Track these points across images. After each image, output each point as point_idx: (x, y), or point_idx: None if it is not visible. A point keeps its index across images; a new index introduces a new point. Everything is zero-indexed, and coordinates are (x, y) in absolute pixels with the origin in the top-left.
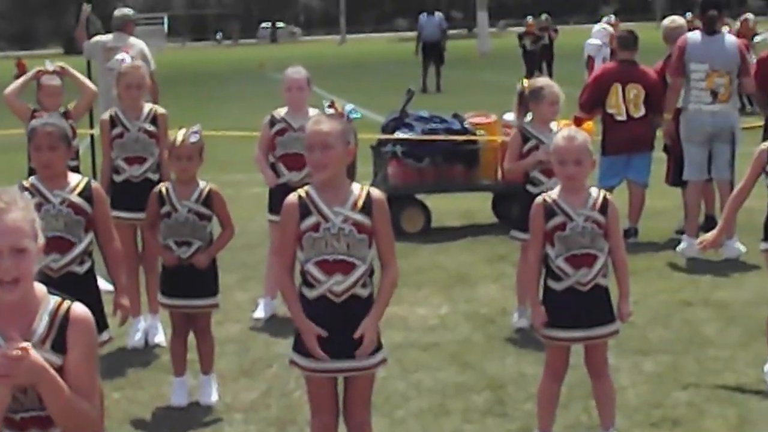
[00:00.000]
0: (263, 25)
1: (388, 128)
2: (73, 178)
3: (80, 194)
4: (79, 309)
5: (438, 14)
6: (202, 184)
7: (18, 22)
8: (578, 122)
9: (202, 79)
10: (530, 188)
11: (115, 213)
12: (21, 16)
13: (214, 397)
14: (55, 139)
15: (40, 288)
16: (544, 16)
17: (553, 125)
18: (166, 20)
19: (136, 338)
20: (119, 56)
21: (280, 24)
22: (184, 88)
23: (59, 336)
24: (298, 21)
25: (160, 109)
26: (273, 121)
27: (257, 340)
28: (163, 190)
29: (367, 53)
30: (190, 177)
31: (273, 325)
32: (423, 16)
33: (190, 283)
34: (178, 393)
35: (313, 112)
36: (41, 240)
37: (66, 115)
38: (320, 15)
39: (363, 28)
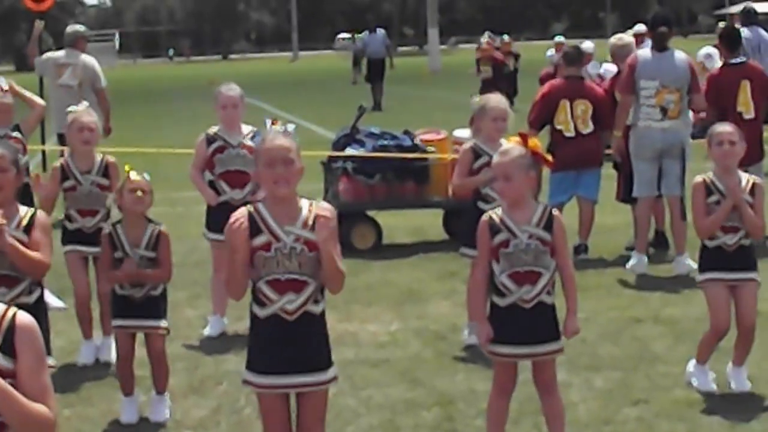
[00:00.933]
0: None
1: (339, 144)
2: (21, 210)
3: (25, 229)
4: (24, 317)
5: (380, 31)
6: (151, 226)
7: None
8: (524, 138)
9: (153, 96)
10: (481, 205)
11: (69, 247)
12: None
13: (166, 415)
14: (6, 162)
15: None
16: (505, 37)
17: (503, 141)
18: (117, 37)
19: (87, 356)
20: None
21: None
22: (135, 105)
23: (7, 341)
24: (249, 37)
25: (111, 158)
26: (210, 140)
27: (207, 357)
28: (113, 232)
29: (319, 70)
30: (141, 212)
31: (223, 342)
32: (366, 34)
33: (141, 305)
34: (128, 411)
35: (246, 129)
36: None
37: (17, 127)
38: (272, 31)
39: (316, 45)
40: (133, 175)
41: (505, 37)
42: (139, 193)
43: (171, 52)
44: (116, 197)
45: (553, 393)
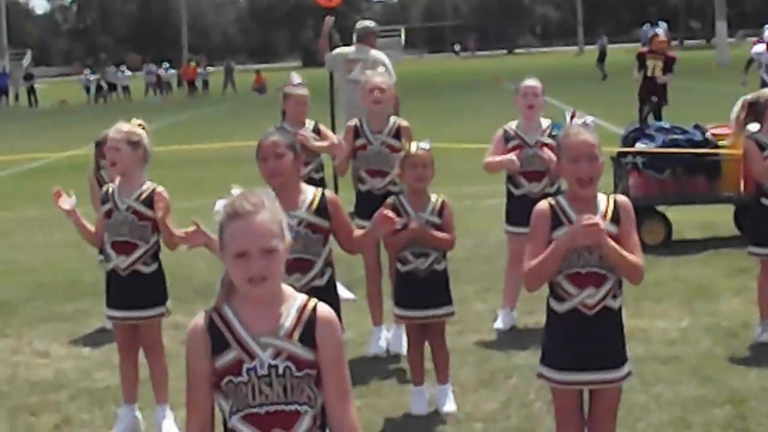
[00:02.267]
0: None
1: (628, 139)
2: (309, 193)
3: (316, 211)
4: (325, 308)
5: (663, 24)
6: (433, 197)
7: (257, 35)
8: None
9: (439, 90)
10: (765, 201)
11: (358, 222)
12: (260, 30)
13: (453, 406)
14: (281, 147)
15: (286, 287)
16: None
17: None
18: (403, 32)
19: (378, 346)
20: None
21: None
22: (421, 100)
23: (307, 331)
24: (534, 31)
25: (404, 122)
26: (507, 137)
27: (497, 350)
28: (397, 201)
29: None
30: (423, 187)
31: (513, 336)
32: (647, 27)
33: (426, 292)
34: (418, 402)
35: (545, 123)
36: (288, 238)
37: (317, 131)
38: (557, 25)
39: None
40: (413, 149)
41: None
42: (420, 168)
43: (457, 47)
44: (398, 170)
45: None
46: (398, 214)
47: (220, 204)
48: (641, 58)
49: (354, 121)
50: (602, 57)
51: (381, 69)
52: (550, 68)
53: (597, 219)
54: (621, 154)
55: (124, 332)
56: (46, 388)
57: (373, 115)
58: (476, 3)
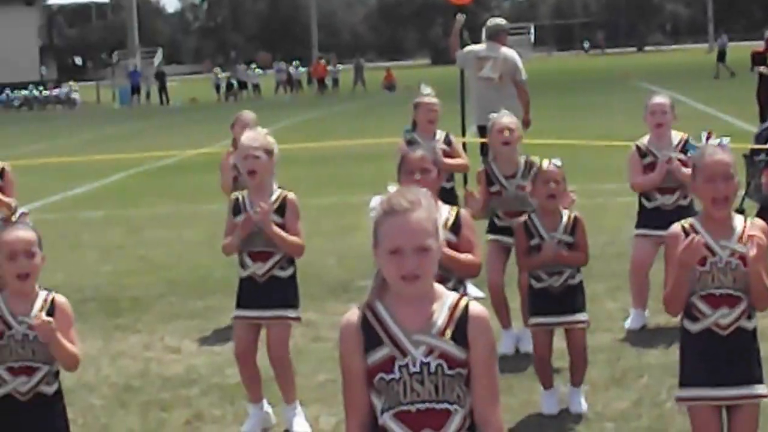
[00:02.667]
0: None
1: (762, 137)
2: (444, 211)
3: (450, 228)
4: (477, 307)
5: None
6: (565, 214)
7: (386, 33)
8: None
9: (568, 88)
10: None
11: (491, 236)
12: (389, 28)
13: (585, 407)
14: (427, 162)
15: (438, 285)
16: None
17: None
18: (532, 30)
19: (507, 346)
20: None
21: None
22: (552, 98)
23: (459, 330)
24: (664, 29)
25: (531, 157)
26: (642, 153)
27: (628, 349)
28: (529, 220)
29: (735, 62)
30: (555, 206)
31: (644, 335)
32: None
33: (559, 299)
34: (548, 403)
35: (676, 137)
36: (442, 238)
37: (448, 142)
38: (687, 23)
39: (732, 36)
40: (545, 165)
41: None
42: (552, 184)
43: (586, 44)
44: (529, 186)
45: None
46: (530, 235)
47: (375, 201)
48: (757, 57)
49: (484, 167)
50: (722, 56)
51: (504, 112)
52: (680, 66)
53: (698, 237)
54: (754, 152)
55: (248, 333)
56: (178, 384)
57: (503, 158)
58: (606, 0)
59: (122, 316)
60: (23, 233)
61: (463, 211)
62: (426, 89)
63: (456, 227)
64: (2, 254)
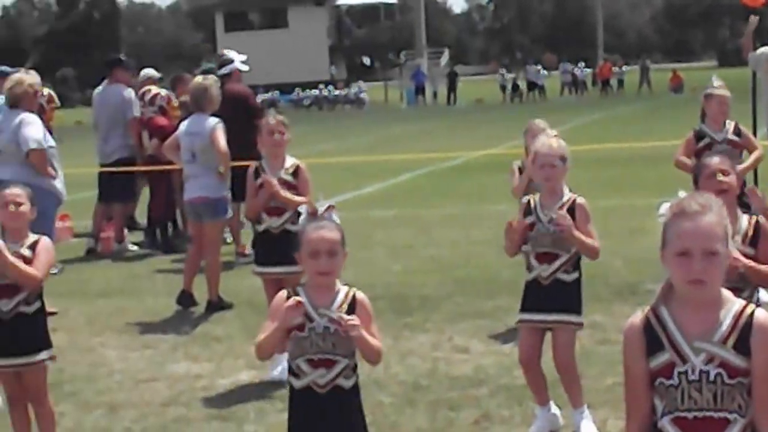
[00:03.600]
0: None
1: None
2: None
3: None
4: (762, 315)
5: None
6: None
7: (673, 34)
8: None
9: None
10: None
11: None
12: (676, 29)
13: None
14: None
15: (726, 291)
16: None
17: None
18: None
19: None
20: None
21: None
22: None
23: (742, 338)
24: None
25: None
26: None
27: None
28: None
29: None
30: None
31: None
32: None
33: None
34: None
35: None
36: (731, 246)
37: (738, 132)
38: None
39: None
40: None
41: None
42: None
43: None
44: None
45: None
46: None
47: (664, 207)
48: None
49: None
50: None
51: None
52: None
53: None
54: None
55: (533, 337)
56: (466, 384)
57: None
58: None
59: (411, 314)
60: (327, 233)
61: (763, 220)
62: (717, 81)
63: (755, 239)
64: (305, 251)
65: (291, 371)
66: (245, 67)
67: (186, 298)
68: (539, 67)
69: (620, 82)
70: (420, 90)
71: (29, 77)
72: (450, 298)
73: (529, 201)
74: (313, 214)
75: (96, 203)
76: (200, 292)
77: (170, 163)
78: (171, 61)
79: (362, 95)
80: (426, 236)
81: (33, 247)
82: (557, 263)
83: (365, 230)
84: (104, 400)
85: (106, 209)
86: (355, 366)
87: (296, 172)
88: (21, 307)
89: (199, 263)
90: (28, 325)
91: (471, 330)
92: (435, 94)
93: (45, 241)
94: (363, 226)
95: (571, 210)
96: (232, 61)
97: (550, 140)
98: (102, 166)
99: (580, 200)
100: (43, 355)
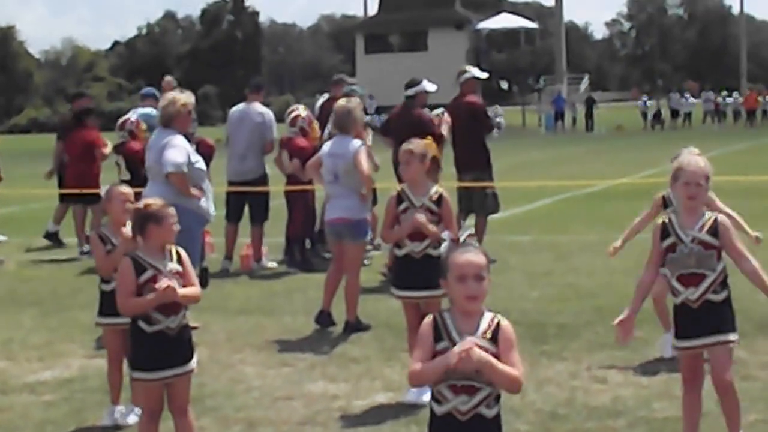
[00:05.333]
0: None
1: None
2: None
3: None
4: None
5: None
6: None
7: None
8: None
9: None
10: None
11: None
12: None
13: None
14: None
15: None
16: None
17: None
18: None
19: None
20: None
21: None
22: None
23: None
24: None
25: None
26: None
27: None
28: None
29: None
30: None
31: None
32: None
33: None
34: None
35: None
36: None
37: None
38: None
39: None
40: None
41: None
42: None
43: None
44: None
45: None
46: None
47: None
48: None
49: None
50: None
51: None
52: None
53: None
54: None
55: (697, 363)
56: (604, 415)
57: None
58: None
59: (549, 342)
60: (474, 257)
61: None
62: None
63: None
64: (452, 275)
65: (433, 396)
66: (432, 88)
67: (324, 318)
68: (685, 94)
69: (764, 113)
70: (559, 115)
71: (183, 96)
72: (588, 327)
73: (664, 222)
74: (455, 241)
75: (227, 224)
76: (338, 312)
77: (308, 182)
78: (309, 81)
79: (499, 119)
80: (564, 263)
81: (179, 260)
82: (704, 285)
83: (502, 255)
84: (243, 416)
85: (236, 229)
86: (498, 396)
87: (440, 200)
88: (184, 320)
89: (339, 283)
90: (187, 335)
91: (609, 360)
92: (574, 120)
93: (184, 252)
94: (499, 251)
95: (714, 230)
96: (419, 83)
97: (697, 158)
98: (234, 184)
99: (721, 218)
100: (194, 364)
